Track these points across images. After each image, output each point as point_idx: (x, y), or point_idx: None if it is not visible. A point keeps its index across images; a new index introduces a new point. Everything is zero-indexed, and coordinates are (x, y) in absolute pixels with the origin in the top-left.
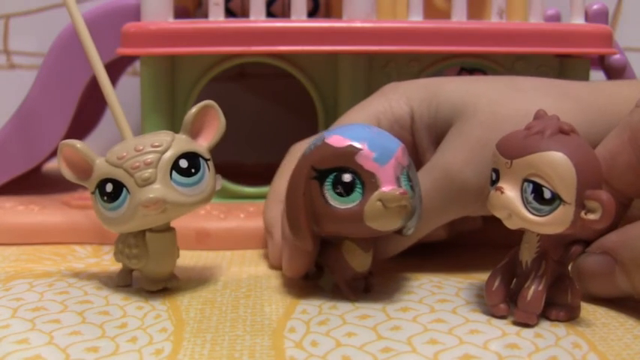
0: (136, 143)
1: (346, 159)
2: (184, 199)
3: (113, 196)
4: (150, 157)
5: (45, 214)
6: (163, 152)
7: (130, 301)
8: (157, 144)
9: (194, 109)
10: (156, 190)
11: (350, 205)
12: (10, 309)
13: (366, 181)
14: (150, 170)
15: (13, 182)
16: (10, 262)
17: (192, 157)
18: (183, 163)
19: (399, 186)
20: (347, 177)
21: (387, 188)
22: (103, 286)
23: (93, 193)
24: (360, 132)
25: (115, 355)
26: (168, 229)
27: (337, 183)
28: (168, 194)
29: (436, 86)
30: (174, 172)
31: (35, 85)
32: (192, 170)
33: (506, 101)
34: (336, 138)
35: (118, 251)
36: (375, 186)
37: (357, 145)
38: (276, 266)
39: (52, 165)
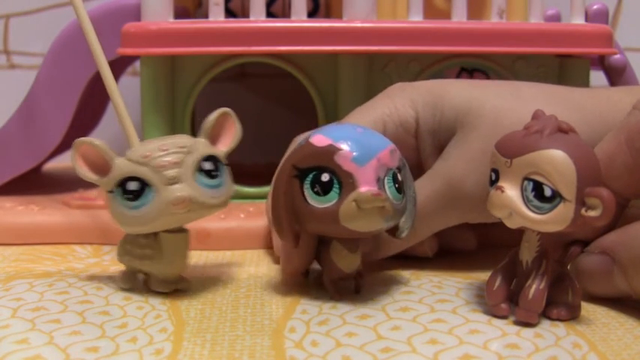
0: (159, 143)
1: (325, 158)
2: (208, 201)
3: (137, 195)
4: (176, 157)
5: (45, 214)
6: (188, 153)
7: (130, 301)
8: (181, 145)
9: (213, 116)
10: (184, 189)
11: (327, 205)
12: (10, 309)
13: (344, 181)
14: (176, 169)
15: (13, 182)
16: (10, 262)
17: (215, 161)
18: (207, 166)
19: (381, 187)
20: (325, 176)
21: (363, 189)
22: (103, 286)
23: (110, 191)
24: (344, 132)
25: (115, 355)
26: (181, 229)
27: (316, 182)
28: (195, 194)
29: (441, 91)
30: (197, 174)
31: (36, 84)
32: (214, 173)
33: (509, 110)
34: (319, 137)
35: (125, 252)
36: (353, 186)
37: (337, 145)
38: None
39: (52, 165)
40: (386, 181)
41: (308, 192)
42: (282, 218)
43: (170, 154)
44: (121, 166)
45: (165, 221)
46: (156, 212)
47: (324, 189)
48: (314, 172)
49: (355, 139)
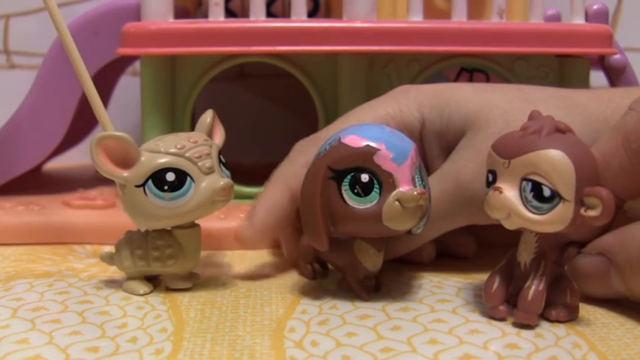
0: (186, 136)
1: (364, 159)
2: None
3: (176, 185)
4: (207, 149)
5: (45, 214)
6: (211, 146)
7: (130, 301)
8: (204, 138)
9: (210, 115)
10: (224, 178)
11: (368, 206)
12: (10, 309)
13: (383, 181)
14: (210, 160)
15: (13, 182)
16: (10, 262)
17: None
18: (222, 158)
19: (415, 185)
20: (365, 177)
21: (404, 188)
22: (103, 286)
23: (140, 185)
24: (375, 132)
25: (115, 355)
26: (193, 225)
27: (355, 183)
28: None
29: (448, 94)
30: (221, 165)
31: (35, 85)
32: (227, 166)
33: (517, 113)
34: (353, 138)
35: (138, 258)
36: (393, 186)
37: (374, 145)
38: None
39: (52, 165)
40: (416, 179)
41: (347, 193)
42: (318, 221)
43: (201, 146)
44: (153, 158)
45: (205, 210)
46: (198, 201)
47: (365, 190)
48: (352, 174)
49: (388, 138)
